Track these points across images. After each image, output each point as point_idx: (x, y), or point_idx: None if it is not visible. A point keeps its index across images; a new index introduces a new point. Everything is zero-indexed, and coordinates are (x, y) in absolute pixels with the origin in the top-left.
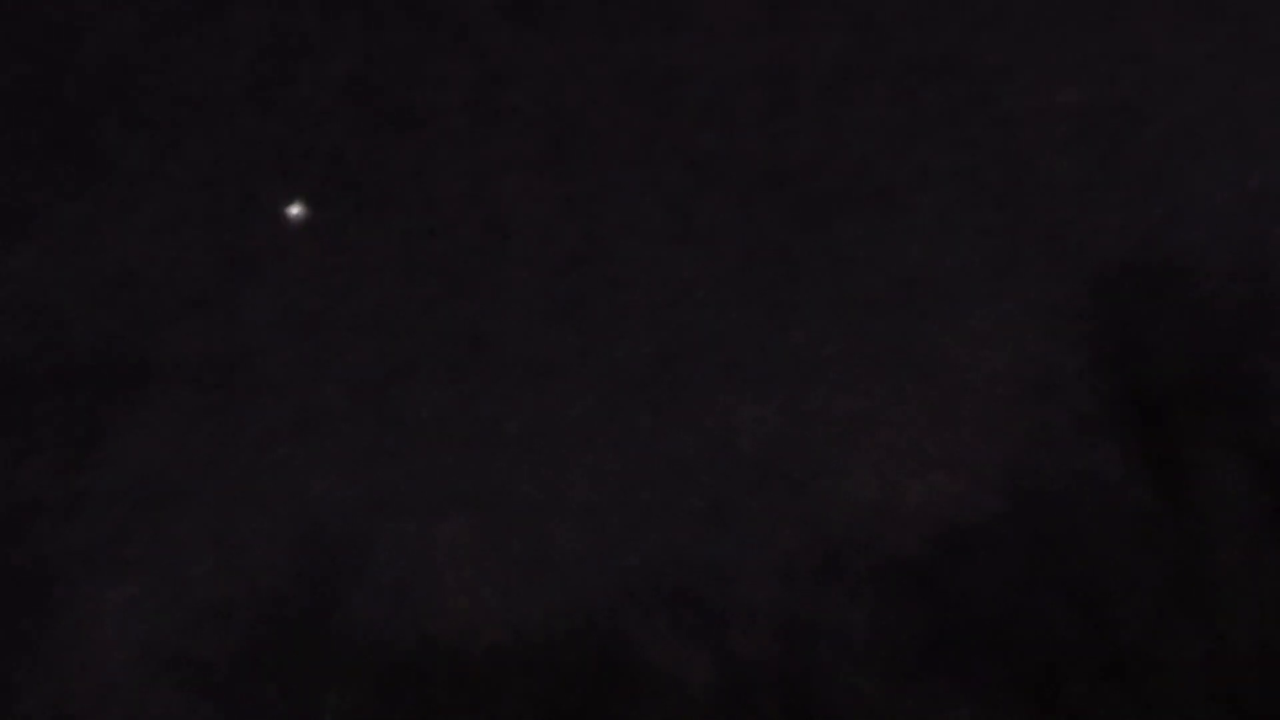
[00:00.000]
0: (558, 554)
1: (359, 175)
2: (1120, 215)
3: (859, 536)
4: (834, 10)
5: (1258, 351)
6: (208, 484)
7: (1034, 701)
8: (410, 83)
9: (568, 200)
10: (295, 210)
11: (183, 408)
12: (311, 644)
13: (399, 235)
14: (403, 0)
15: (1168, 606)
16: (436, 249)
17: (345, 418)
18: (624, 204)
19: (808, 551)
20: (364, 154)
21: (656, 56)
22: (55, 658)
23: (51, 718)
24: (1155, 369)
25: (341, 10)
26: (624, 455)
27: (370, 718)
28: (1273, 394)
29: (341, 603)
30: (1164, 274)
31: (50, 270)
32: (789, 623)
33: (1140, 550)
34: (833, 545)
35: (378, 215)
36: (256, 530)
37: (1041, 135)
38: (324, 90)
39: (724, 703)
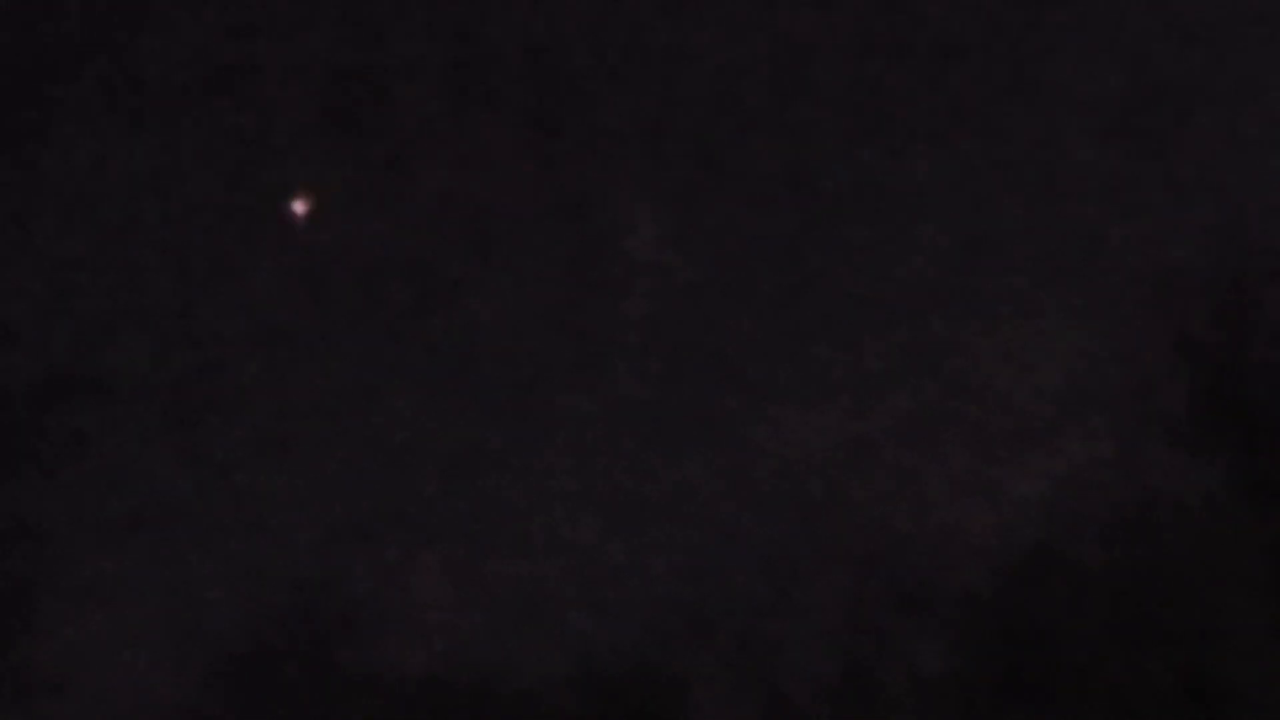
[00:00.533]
0: (553, 591)
1: (327, 168)
2: (1172, 214)
3: (900, 567)
4: None
5: None
6: (165, 513)
7: None
8: (383, 66)
9: (558, 197)
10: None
11: (138, 429)
12: (280, 692)
13: (371, 235)
14: None
15: (1265, 647)
16: (414, 250)
17: (317, 439)
18: (621, 201)
19: (840, 584)
20: (333, 144)
21: (657, 34)
22: None
23: None
24: (1226, 384)
25: None
26: (625, 480)
27: None
28: None
29: (316, 645)
30: (1221, 279)
31: None
32: (843, 666)
33: (1233, 585)
34: (870, 577)
35: (348, 213)
36: (219, 564)
37: (1084, 124)
38: (290, 76)
39: None
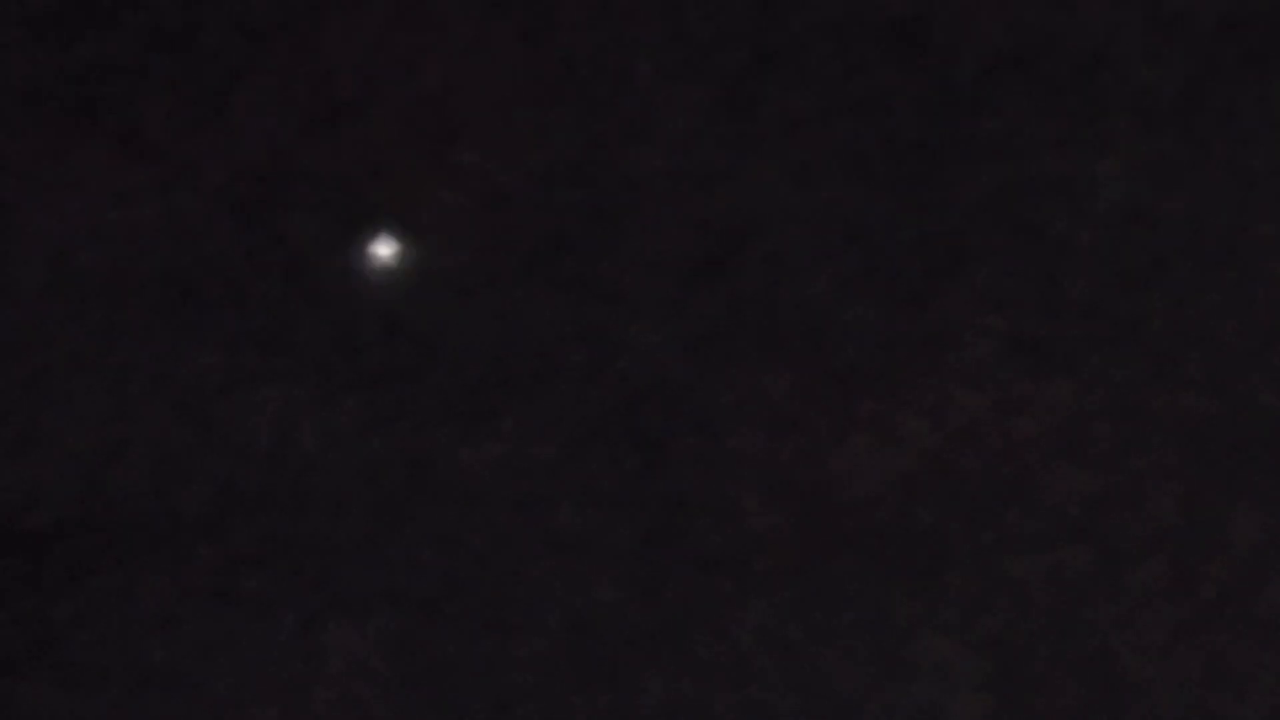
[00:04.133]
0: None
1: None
2: None
3: None
4: None
5: None
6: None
7: None
8: None
9: (552, 89)
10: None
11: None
12: None
13: (300, 146)
14: None
15: None
16: (333, 164)
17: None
18: (637, 88)
19: None
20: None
21: None
22: None
23: None
24: None
25: None
26: (617, 496)
27: None
28: None
29: None
30: None
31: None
32: None
33: None
34: None
35: (274, 121)
36: None
37: None
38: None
39: None
